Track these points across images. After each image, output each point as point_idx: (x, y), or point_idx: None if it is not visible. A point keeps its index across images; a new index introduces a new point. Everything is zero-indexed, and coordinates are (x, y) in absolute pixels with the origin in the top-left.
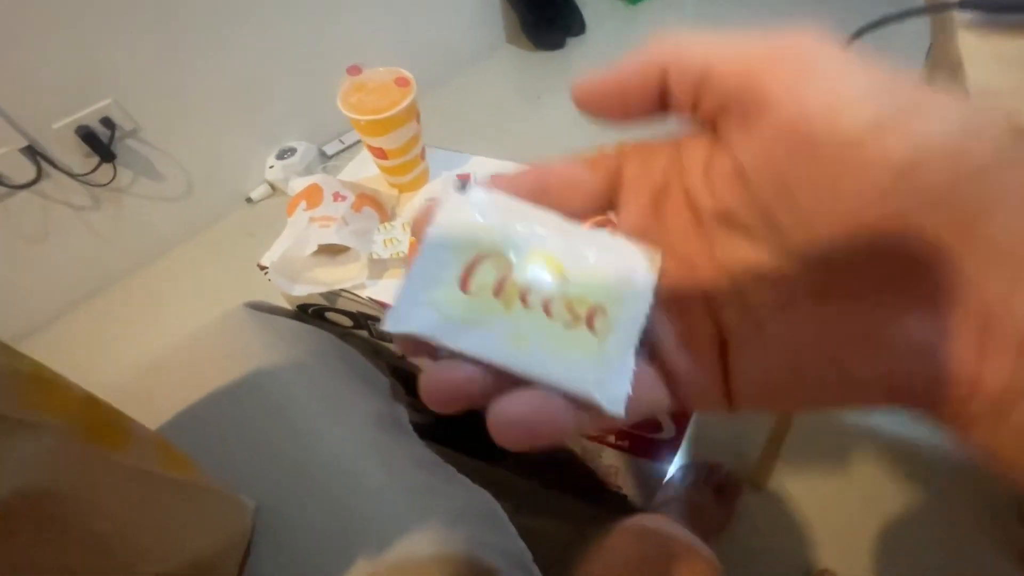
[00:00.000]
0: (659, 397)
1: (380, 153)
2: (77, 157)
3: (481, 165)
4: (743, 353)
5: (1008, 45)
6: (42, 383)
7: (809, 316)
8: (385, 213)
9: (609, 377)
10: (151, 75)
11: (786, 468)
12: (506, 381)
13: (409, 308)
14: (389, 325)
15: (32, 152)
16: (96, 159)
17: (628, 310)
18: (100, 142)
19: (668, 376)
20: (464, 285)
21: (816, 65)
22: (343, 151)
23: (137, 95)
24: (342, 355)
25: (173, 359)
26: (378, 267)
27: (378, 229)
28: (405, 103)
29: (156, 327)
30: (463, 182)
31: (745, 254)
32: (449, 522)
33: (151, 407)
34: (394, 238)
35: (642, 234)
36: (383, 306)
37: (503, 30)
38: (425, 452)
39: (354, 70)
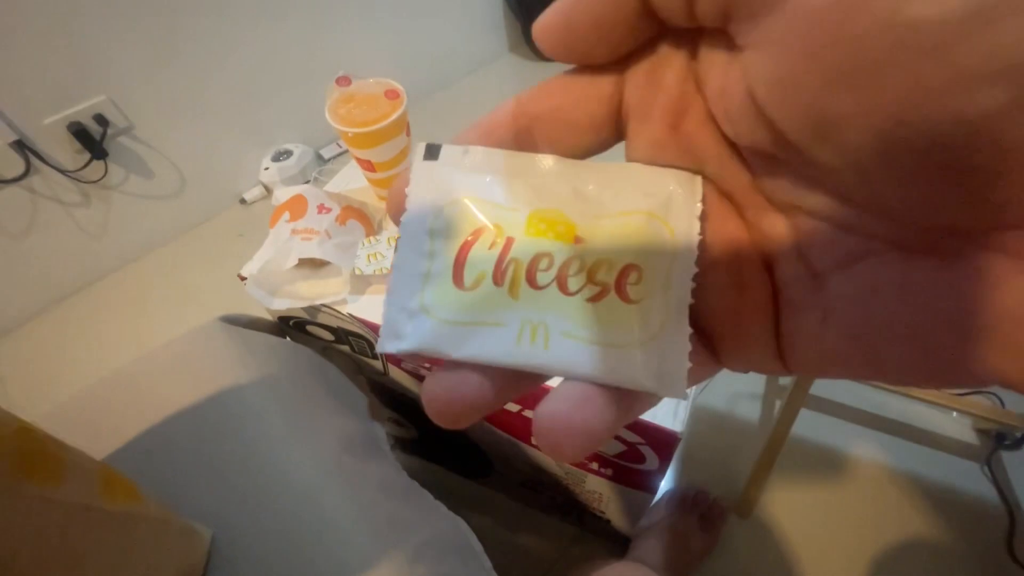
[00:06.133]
0: (707, 365)
1: (368, 165)
2: (68, 153)
3: None
4: (800, 316)
5: None
6: None
7: (887, 276)
8: (371, 226)
9: (662, 363)
10: (147, 73)
11: (772, 496)
12: (527, 379)
13: (400, 321)
14: (381, 345)
15: (21, 147)
16: (87, 155)
17: (670, 269)
18: (92, 139)
19: (713, 340)
20: (458, 277)
21: None
22: (340, 155)
23: (132, 92)
24: (319, 372)
25: (136, 373)
26: (361, 282)
27: (362, 243)
28: (395, 116)
29: (138, 325)
30: (434, 145)
31: (796, 198)
32: (412, 557)
33: (106, 423)
34: (378, 253)
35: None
36: (364, 323)
37: (506, 39)
38: (398, 477)
39: (343, 81)
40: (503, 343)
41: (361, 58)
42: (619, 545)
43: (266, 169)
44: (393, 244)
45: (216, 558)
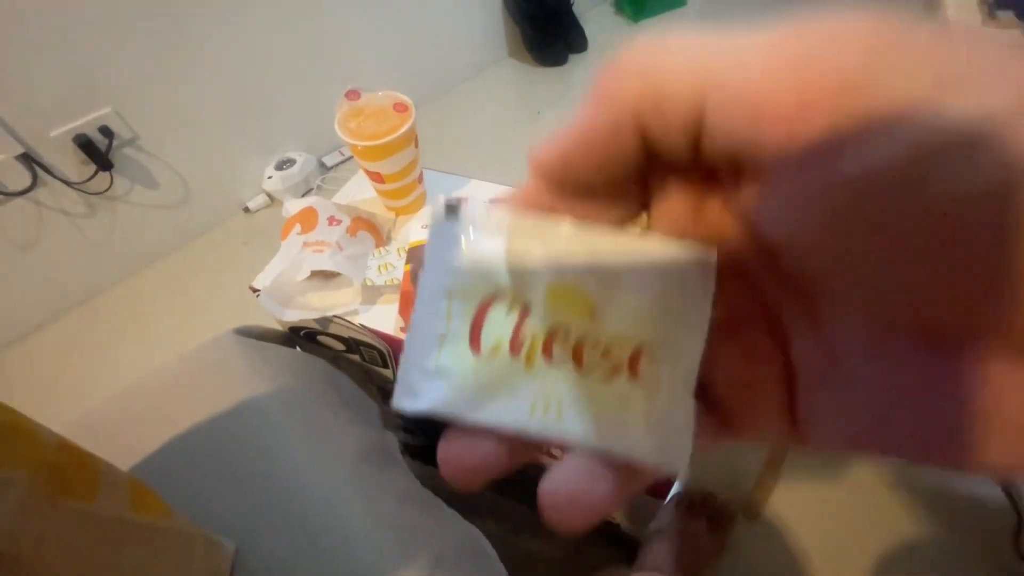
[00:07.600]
0: (719, 437)
1: (377, 177)
2: (74, 165)
3: (479, 189)
4: (815, 394)
5: None
6: (15, 434)
7: (908, 366)
8: (381, 237)
9: (666, 438)
10: (151, 84)
11: (780, 499)
12: (536, 444)
13: (416, 380)
14: (397, 402)
15: (28, 159)
16: (93, 167)
17: (680, 345)
18: (98, 150)
19: (723, 415)
20: (474, 342)
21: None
22: (343, 163)
23: (136, 104)
24: (332, 383)
25: (155, 385)
26: (372, 293)
27: (373, 254)
28: (403, 129)
29: (144, 335)
30: (453, 203)
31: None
32: (432, 566)
33: (128, 436)
34: (389, 263)
35: (684, 235)
36: (375, 333)
37: (505, 44)
38: (412, 485)
39: (352, 95)
40: (517, 412)
41: (362, 66)
42: (627, 549)
43: (269, 178)
44: (402, 255)
45: (239, 571)
